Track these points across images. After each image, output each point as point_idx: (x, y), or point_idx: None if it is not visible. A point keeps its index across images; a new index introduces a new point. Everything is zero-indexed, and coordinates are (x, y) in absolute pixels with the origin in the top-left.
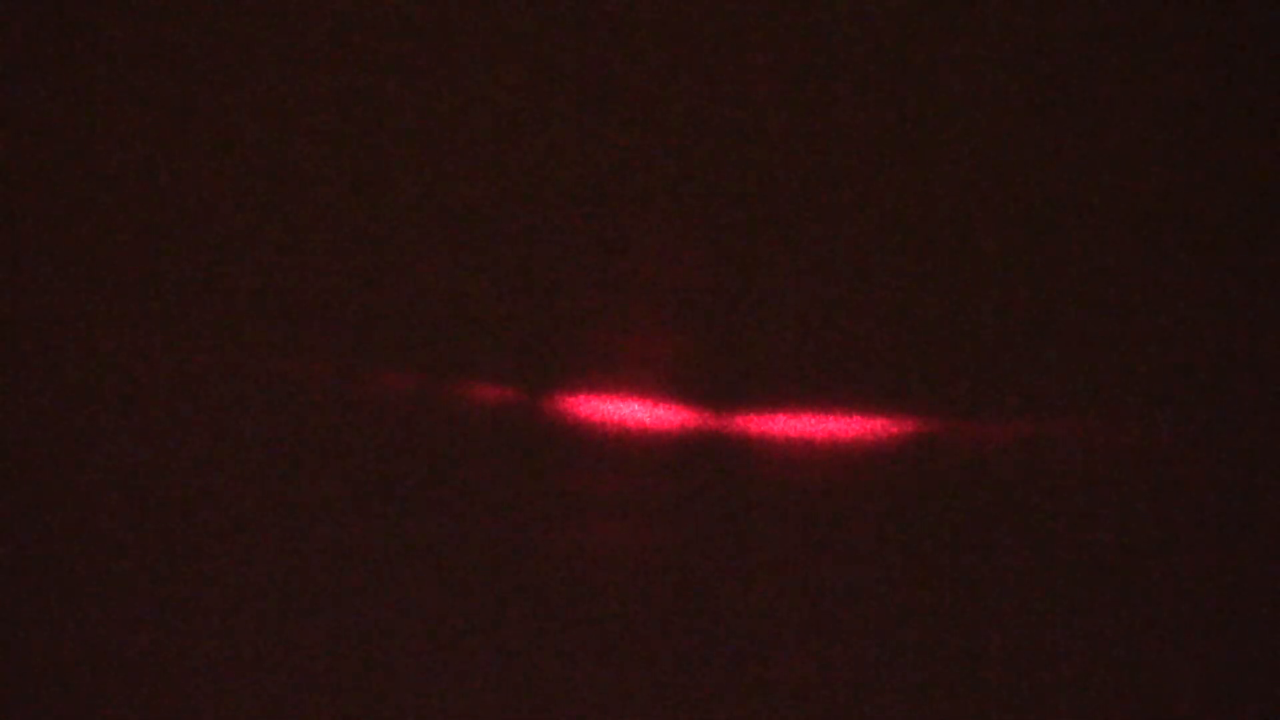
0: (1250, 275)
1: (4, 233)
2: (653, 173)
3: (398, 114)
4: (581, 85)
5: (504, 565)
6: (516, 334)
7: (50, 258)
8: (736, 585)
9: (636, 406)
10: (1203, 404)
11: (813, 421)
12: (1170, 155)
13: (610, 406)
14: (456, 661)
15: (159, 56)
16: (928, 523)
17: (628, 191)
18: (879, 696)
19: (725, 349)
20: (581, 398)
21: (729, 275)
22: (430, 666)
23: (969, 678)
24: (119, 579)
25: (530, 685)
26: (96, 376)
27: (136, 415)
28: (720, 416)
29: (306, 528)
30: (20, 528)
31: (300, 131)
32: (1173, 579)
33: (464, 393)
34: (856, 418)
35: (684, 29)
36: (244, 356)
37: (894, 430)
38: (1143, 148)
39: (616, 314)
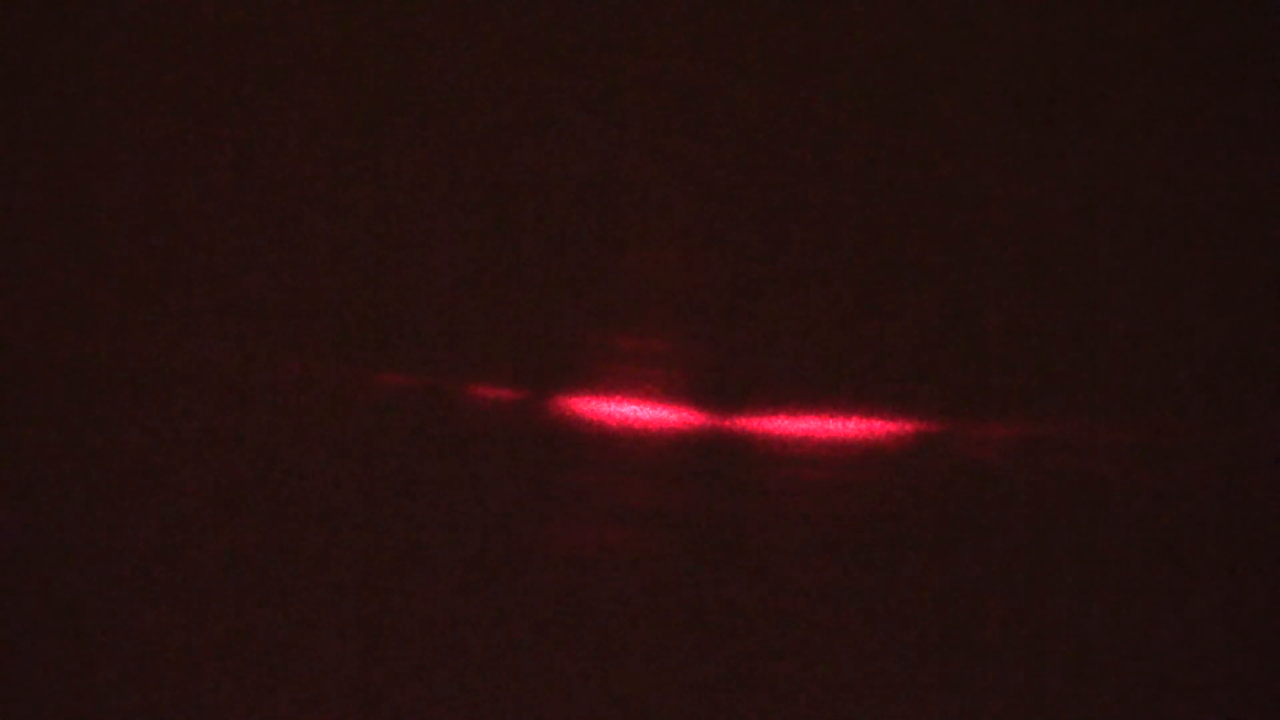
0: (1250, 275)
1: (4, 233)
2: (655, 174)
3: (399, 115)
4: (584, 85)
5: (505, 567)
6: (519, 336)
7: (51, 258)
8: (738, 586)
9: (638, 408)
10: (1203, 404)
11: (814, 422)
12: (1169, 156)
13: (612, 408)
14: (457, 663)
15: (161, 55)
16: (928, 523)
17: (631, 193)
18: (880, 697)
19: (727, 350)
20: (584, 399)
21: (731, 277)
22: (431, 667)
23: (970, 678)
24: (119, 579)
25: (531, 687)
26: (98, 377)
27: (138, 415)
28: (722, 418)
29: (306, 528)
30: (22, 528)
31: (302, 132)
32: (1172, 579)
33: (466, 394)
34: (858, 419)
35: (688, 30)
36: (244, 357)
37: (894, 431)
38: (1142, 149)
39: (618, 316)
